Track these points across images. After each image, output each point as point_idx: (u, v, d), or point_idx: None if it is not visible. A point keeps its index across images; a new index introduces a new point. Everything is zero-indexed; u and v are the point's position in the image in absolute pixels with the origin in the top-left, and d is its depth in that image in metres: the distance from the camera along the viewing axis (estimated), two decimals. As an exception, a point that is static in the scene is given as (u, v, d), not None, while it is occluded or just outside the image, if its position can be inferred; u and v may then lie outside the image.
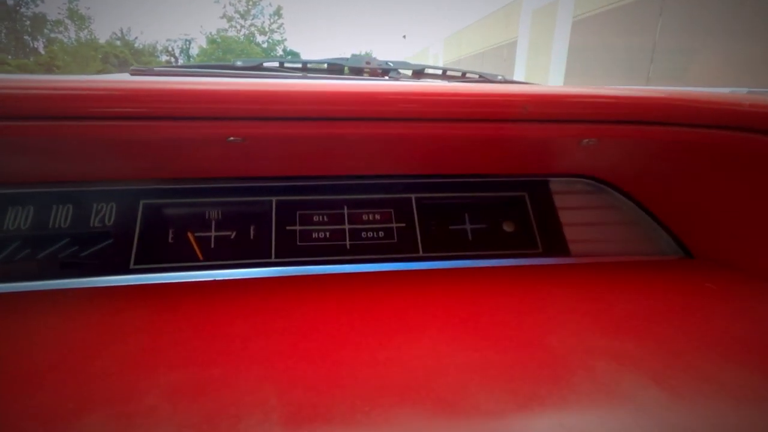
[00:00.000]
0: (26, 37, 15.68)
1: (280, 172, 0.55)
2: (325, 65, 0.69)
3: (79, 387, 0.29)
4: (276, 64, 0.67)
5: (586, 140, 0.40)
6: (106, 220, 0.50)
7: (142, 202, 0.52)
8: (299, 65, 0.68)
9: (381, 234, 0.54)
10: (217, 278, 0.48)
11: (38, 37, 16.00)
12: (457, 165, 0.57)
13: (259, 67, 0.64)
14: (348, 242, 0.53)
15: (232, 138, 0.35)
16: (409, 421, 0.27)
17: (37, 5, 15.62)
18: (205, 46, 19.01)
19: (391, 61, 0.71)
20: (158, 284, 0.47)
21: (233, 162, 0.49)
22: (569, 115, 0.37)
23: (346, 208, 0.55)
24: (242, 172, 0.54)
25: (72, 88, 0.34)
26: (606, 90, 0.38)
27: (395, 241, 0.54)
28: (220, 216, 0.54)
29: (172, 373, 0.31)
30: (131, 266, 0.48)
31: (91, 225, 0.50)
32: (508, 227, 0.55)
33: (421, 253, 0.53)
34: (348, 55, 0.70)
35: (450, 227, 0.56)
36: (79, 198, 0.50)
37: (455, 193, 0.58)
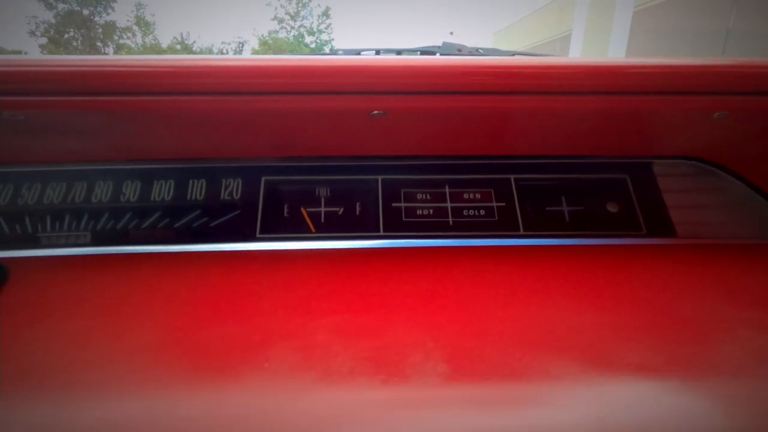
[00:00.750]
0: (98, 43, 17.04)
1: (385, 152, 0.58)
2: (418, 52, 0.71)
3: (256, 325, 0.34)
4: (373, 52, 0.70)
5: (717, 113, 0.40)
6: (234, 194, 0.56)
7: (263, 179, 0.57)
8: (394, 52, 0.71)
9: (482, 212, 0.56)
10: (334, 247, 0.52)
11: (108, 43, 17.34)
12: (556, 146, 0.58)
13: (358, 53, 0.68)
14: (450, 219, 0.56)
15: (376, 112, 0.39)
16: (562, 366, 0.29)
17: (108, 14, 16.93)
18: (257, 48, 19.76)
19: (481, 48, 0.73)
20: (284, 250, 0.51)
21: (348, 140, 0.53)
22: (703, 87, 0.37)
23: (447, 187, 0.58)
24: (349, 151, 0.58)
25: (232, 66, 0.39)
26: (741, 60, 0.38)
27: (496, 219, 0.56)
28: (329, 193, 0.58)
29: (331, 318, 0.34)
30: (257, 235, 0.53)
31: (221, 198, 0.55)
32: (611, 208, 0.55)
33: (521, 231, 0.55)
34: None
35: (550, 208, 0.57)
36: (211, 174, 0.56)
37: (555, 175, 0.58)
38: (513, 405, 0.27)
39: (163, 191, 0.55)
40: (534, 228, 0.55)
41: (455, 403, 0.26)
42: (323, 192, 0.58)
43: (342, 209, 0.57)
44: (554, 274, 0.44)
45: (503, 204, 0.57)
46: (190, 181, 0.56)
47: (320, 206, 0.57)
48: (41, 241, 0.53)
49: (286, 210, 0.56)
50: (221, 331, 0.32)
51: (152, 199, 0.55)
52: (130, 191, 0.55)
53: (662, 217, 0.55)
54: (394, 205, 0.56)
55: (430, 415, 0.25)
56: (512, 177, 0.58)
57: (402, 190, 0.57)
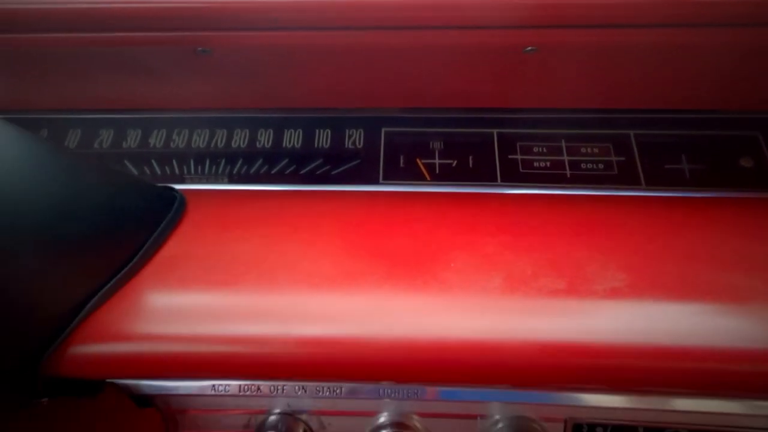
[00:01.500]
0: None
1: (500, 104, 0.59)
2: None
3: (425, 240, 0.36)
4: None
5: None
6: (357, 143, 0.59)
7: (383, 130, 0.60)
8: None
9: (600, 166, 0.56)
10: (454, 191, 0.54)
11: None
12: (678, 98, 0.57)
13: None
14: (568, 172, 0.56)
15: (529, 48, 0.40)
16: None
17: None
18: None
19: None
20: (408, 192, 0.54)
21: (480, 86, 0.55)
22: None
23: (563, 141, 0.58)
24: (465, 103, 0.60)
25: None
26: None
27: (615, 173, 0.56)
28: (442, 146, 0.60)
29: (495, 237, 0.36)
30: (380, 181, 0.56)
31: (346, 146, 0.59)
32: (745, 162, 0.54)
33: (643, 185, 0.54)
34: None
35: (672, 165, 0.56)
36: (335, 123, 0.60)
37: (676, 131, 0.57)
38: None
39: (293, 139, 0.60)
40: (657, 182, 0.54)
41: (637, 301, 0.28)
42: (438, 145, 0.60)
43: (455, 162, 0.59)
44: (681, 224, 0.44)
45: (623, 158, 0.56)
46: (316, 130, 0.60)
47: (435, 158, 0.59)
48: (186, 182, 0.59)
49: (402, 161, 0.59)
50: (395, 242, 0.35)
51: (283, 146, 0.59)
52: (264, 138, 0.60)
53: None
54: (510, 157, 0.57)
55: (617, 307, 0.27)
56: (632, 132, 0.58)
57: (518, 144, 0.58)
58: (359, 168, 0.58)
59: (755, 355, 0.28)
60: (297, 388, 0.39)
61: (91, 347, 0.34)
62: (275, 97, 0.60)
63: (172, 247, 0.40)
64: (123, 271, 0.38)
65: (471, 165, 0.58)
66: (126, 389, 0.38)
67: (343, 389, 0.39)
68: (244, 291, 0.34)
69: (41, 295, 0.32)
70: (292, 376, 0.33)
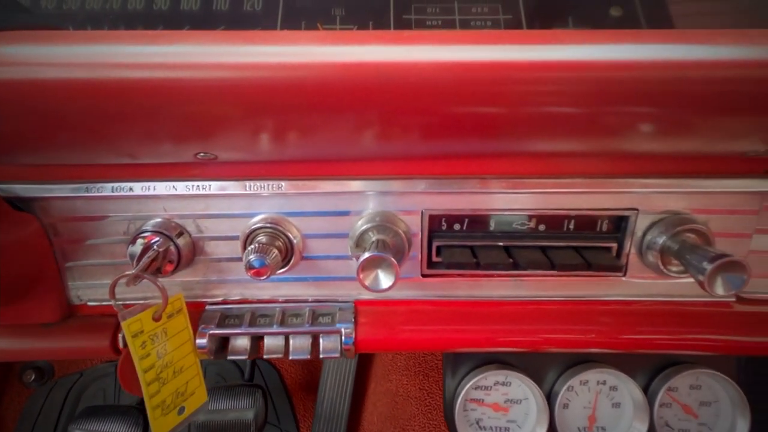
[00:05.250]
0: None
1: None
2: None
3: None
4: None
5: None
6: (256, 6, 0.60)
7: (282, -7, 0.60)
8: None
9: (489, 23, 0.59)
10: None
11: None
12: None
13: None
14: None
15: None
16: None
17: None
18: None
19: None
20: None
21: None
22: None
23: (456, 2, 0.60)
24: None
25: None
26: None
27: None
28: (344, 12, 0.61)
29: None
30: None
31: (245, 8, 0.60)
32: (615, 12, 0.57)
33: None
34: None
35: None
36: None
37: (561, -9, 0.60)
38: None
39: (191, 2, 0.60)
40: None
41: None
42: (340, 11, 0.61)
43: (356, 27, 0.60)
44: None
45: (509, 17, 0.59)
46: (215, -6, 0.60)
47: (336, 23, 0.61)
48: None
49: (303, 25, 0.60)
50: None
51: (182, 8, 0.59)
52: (161, 1, 0.60)
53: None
54: (404, 17, 0.60)
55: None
56: (520, -7, 0.61)
57: (413, 5, 0.60)
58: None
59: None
60: (168, 187, 0.41)
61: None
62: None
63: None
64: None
65: (370, 27, 0.60)
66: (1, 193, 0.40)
67: (212, 186, 0.41)
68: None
69: None
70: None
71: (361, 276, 0.37)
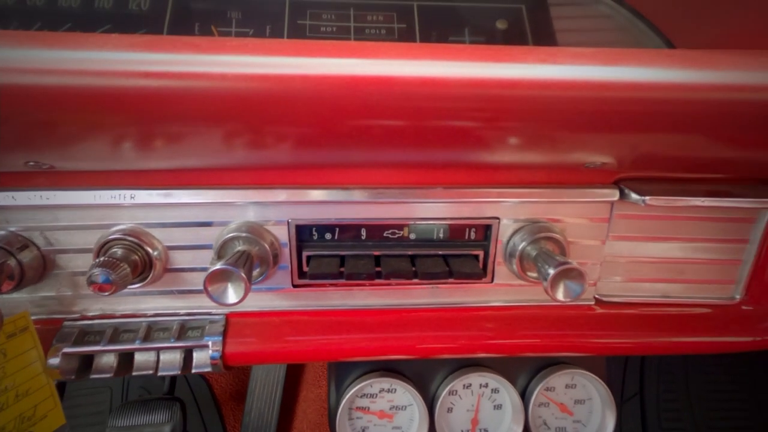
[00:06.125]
0: None
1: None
2: None
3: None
4: None
5: None
6: (142, 5, 0.57)
7: (172, -7, 0.58)
8: None
9: (383, 32, 0.59)
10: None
11: None
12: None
13: None
14: (353, 36, 0.59)
15: None
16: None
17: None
18: None
19: None
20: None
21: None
22: None
23: (352, 9, 0.60)
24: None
25: None
26: None
27: (396, 38, 0.59)
28: (240, 15, 0.60)
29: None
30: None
31: (129, 7, 0.57)
32: (501, 25, 0.59)
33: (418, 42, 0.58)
34: None
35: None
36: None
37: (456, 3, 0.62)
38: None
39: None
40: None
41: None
42: (236, 13, 0.60)
43: (252, 30, 0.59)
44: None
45: (403, 26, 0.60)
46: (99, -9, 0.57)
47: (232, 27, 0.59)
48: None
49: (196, 28, 0.59)
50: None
51: (59, 5, 0.56)
52: None
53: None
54: (299, 22, 0.59)
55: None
56: (415, 3, 0.61)
57: (308, 11, 0.60)
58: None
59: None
60: (5, 198, 0.38)
61: None
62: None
63: None
64: None
65: (267, 33, 0.59)
66: None
67: (57, 196, 0.39)
68: None
69: None
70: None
71: (209, 289, 0.36)
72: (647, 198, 0.40)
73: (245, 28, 0.59)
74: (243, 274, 0.35)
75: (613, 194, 0.43)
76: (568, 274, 0.37)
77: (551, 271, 0.37)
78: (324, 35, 0.58)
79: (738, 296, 0.47)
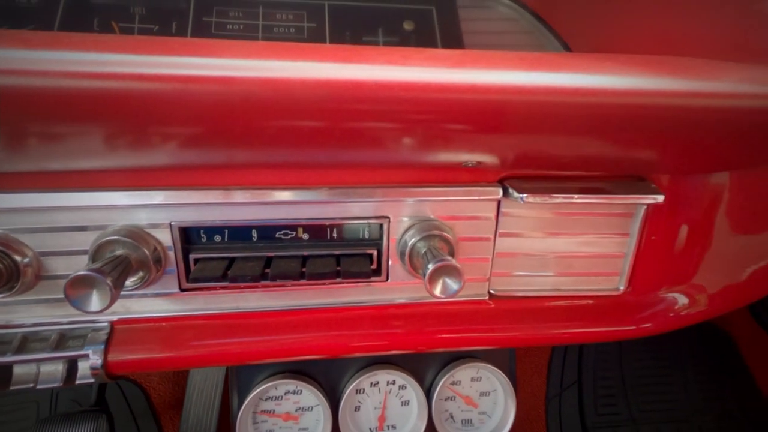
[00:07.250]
0: None
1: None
2: None
3: None
4: None
5: None
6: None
7: (66, -12, 0.55)
8: None
9: (292, 30, 0.59)
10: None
11: None
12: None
13: None
14: (260, 35, 0.58)
15: None
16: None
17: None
18: None
19: None
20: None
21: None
22: None
23: (261, 7, 0.60)
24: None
25: None
26: None
27: (305, 37, 0.59)
28: (144, 11, 0.58)
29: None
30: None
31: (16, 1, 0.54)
32: (410, 26, 0.60)
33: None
34: None
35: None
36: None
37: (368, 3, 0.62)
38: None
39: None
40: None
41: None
42: (140, 10, 0.58)
43: (156, 26, 0.57)
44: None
45: (314, 25, 0.60)
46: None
47: (135, 22, 0.57)
48: None
49: (95, 23, 0.56)
50: None
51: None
52: None
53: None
54: (205, 19, 0.57)
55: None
56: (326, 3, 0.61)
57: (215, 8, 0.58)
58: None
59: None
60: None
61: None
62: None
63: None
64: None
65: (173, 30, 0.57)
66: None
67: None
68: None
69: None
70: None
71: (70, 296, 0.34)
72: (525, 196, 0.42)
73: (149, 24, 0.57)
74: (108, 281, 0.34)
75: (497, 192, 0.44)
76: (445, 270, 0.38)
77: (429, 267, 0.38)
78: (230, 34, 0.57)
79: (622, 287, 0.50)
